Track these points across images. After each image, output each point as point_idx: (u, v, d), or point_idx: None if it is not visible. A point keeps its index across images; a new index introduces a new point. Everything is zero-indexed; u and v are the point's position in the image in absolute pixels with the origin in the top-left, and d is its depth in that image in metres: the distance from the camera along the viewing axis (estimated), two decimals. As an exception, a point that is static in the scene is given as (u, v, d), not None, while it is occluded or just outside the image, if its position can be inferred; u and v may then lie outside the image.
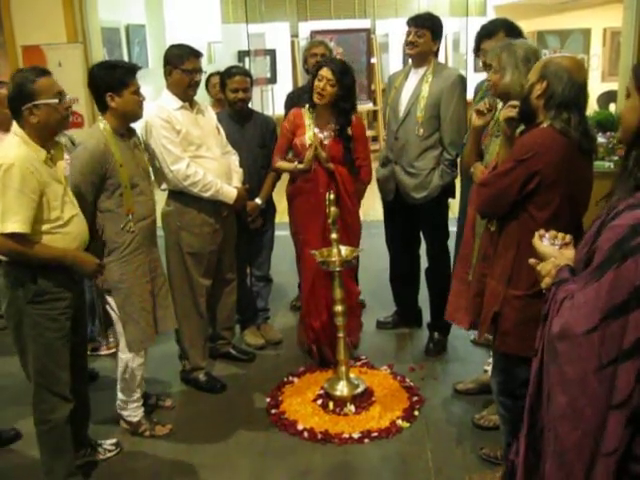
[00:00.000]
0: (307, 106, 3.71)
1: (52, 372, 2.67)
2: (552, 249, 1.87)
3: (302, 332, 3.94)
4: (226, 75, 3.90)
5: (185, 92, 3.41)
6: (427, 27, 3.69)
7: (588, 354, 1.52)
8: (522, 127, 2.56)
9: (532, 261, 1.88)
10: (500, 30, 3.32)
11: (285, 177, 4.17)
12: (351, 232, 3.74)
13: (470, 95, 3.84)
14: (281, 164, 3.79)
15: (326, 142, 3.64)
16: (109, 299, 3.10)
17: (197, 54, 3.41)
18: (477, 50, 3.44)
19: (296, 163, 3.68)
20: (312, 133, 3.65)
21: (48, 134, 2.62)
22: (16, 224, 2.47)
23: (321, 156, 3.57)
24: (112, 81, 2.93)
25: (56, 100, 2.56)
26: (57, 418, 2.70)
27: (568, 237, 1.89)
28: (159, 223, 3.33)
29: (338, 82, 3.52)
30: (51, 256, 2.59)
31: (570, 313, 1.56)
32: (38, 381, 2.66)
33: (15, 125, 2.58)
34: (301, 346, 4.03)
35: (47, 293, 2.61)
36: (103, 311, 3.19)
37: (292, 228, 3.93)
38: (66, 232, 2.64)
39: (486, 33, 3.38)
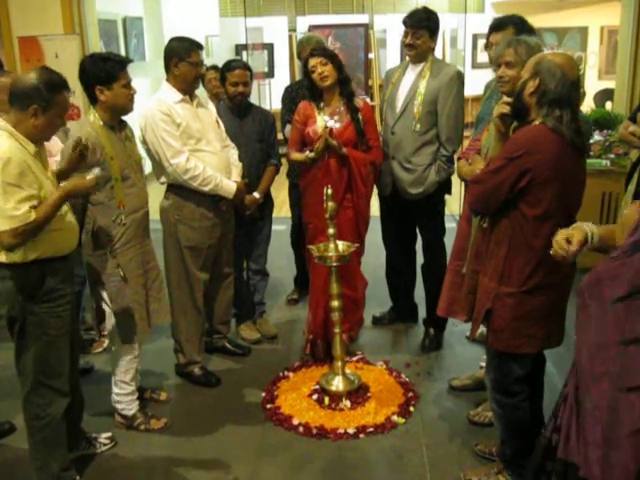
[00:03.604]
0: (314, 101, 3.75)
1: (53, 368, 2.66)
2: None
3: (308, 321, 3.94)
4: (226, 68, 3.89)
5: (191, 85, 3.41)
6: (424, 27, 3.68)
7: (613, 324, 1.55)
8: (516, 124, 2.56)
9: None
10: (509, 25, 3.30)
11: (283, 172, 4.17)
12: (361, 218, 3.78)
13: (468, 92, 3.84)
14: (294, 155, 3.82)
15: (337, 126, 3.66)
16: (102, 292, 3.10)
17: (200, 46, 3.42)
18: (487, 43, 3.43)
19: (307, 152, 3.70)
20: (323, 121, 3.68)
21: (37, 138, 2.57)
22: (21, 216, 2.42)
23: (334, 145, 3.58)
24: (102, 74, 2.91)
25: (61, 120, 2.58)
26: (53, 413, 2.69)
27: None
28: (153, 216, 3.32)
29: (327, 58, 3.62)
30: (53, 211, 2.52)
31: (605, 268, 1.60)
32: (38, 378, 2.64)
33: None
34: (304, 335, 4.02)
35: (53, 291, 2.59)
36: (96, 304, 3.18)
37: (304, 217, 3.95)
38: (64, 227, 2.63)
39: (495, 25, 3.36)
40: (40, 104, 2.47)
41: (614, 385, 1.59)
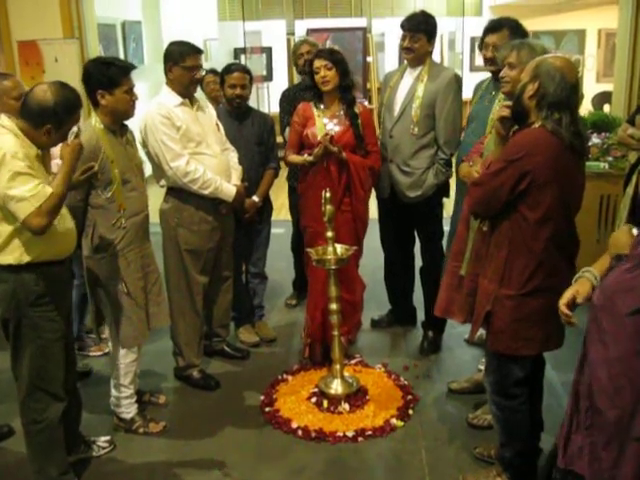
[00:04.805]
0: (313, 102, 3.76)
1: (49, 372, 2.66)
2: (627, 242, 1.92)
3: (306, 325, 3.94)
4: (225, 71, 3.91)
5: (187, 89, 3.41)
6: (422, 30, 3.69)
7: (632, 335, 1.54)
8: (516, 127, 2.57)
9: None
10: (505, 27, 3.34)
11: (282, 175, 4.17)
12: (360, 221, 3.78)
13: (466, 95, 3.84)
14: (292, 157, 3.82)
15: (337, 129, 3.67)
16: (101, 295, 3.10)
17: (198, 51, 3.41)
18: (481, 44, 3.47)
19: (306, 156, 3.70)
20: (322, 124, 3.68)
21: (44, 147, 2.60)
22: (40, 194, 2.42)
23: (334, 151, 3.57)
24: (105, 79, 2.92)
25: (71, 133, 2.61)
26: (50, 417, 2.68)
27: None
28: (153, 219, 3.33)
29: (333, 63, 3.60)
30: (67, 181, 2.53)
31: (616, 281, 1.60)
32: (34, 382, 2.63)
33: (4, 117, 2.53)
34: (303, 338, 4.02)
35: (47, 295, 2.59)
36: (95, 307, 3.18)
37: (302, 221, 3.94)
38: (61, 231, 2.62)
39: (491, 26, 3.40)
40: (54, 125, 2.50)
41: (637, 394, 1.59)
